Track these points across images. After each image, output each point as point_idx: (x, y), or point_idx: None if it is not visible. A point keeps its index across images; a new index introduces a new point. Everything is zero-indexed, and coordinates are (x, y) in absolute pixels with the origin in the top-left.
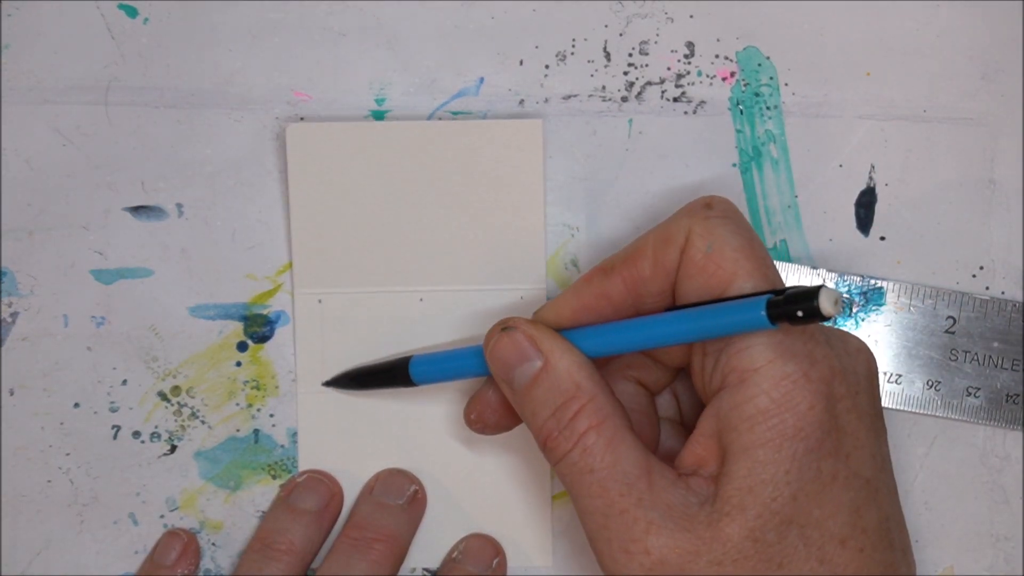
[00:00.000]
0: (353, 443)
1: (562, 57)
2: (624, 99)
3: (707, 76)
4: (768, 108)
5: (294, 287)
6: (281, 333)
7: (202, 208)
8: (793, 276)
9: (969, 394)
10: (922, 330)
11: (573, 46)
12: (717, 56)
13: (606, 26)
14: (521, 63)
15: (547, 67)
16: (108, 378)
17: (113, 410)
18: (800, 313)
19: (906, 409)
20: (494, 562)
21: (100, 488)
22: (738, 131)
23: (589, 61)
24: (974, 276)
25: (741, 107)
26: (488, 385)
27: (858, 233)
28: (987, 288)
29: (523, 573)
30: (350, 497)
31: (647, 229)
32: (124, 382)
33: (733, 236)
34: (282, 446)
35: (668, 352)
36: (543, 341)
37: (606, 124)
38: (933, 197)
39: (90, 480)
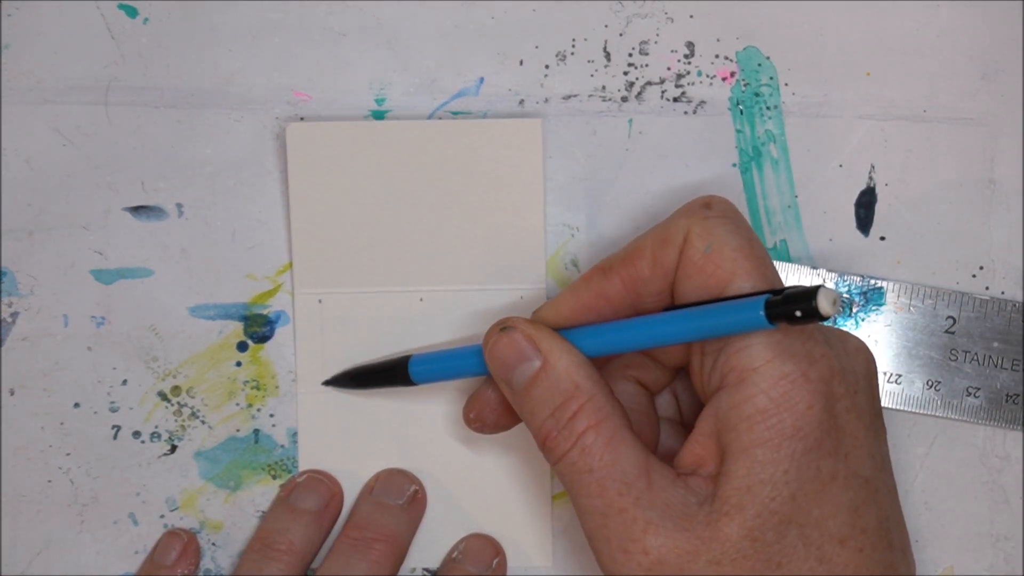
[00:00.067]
0: (353, 443)
1: (562, 57)
2: (624, 99)
3: (707, 76)
4: (768, 108)
5: (294, 287)
6: (281, 333)
7: (202, 208)
8: (793, 276)
9: (969, 394)
10: (922, 330)
11: (573, 46)
12: (717, 56)
13: (606, 26)
14: (521, 63)
15: (547, 67)
16: (108, 378)
17: (113, 410)
18: (799, 313)
19: (906, 409)
20: (494, 562)
21: (100, 488)
22: (738, 131)
23: (589, 61)
24: (974, 276)
25: (741, 107)
26: (487, 384)
27: (858, 233)
28: (987, 288)
29: (523, 573)
30: (350, 497)
31: (647, 229)
32: (124, 382)
33: (732, 236)
34: (282, 446)
35: (667, 352)
36: (542, 341)
37: (606, 124)
38: (933, 197)
39: (90, 480)
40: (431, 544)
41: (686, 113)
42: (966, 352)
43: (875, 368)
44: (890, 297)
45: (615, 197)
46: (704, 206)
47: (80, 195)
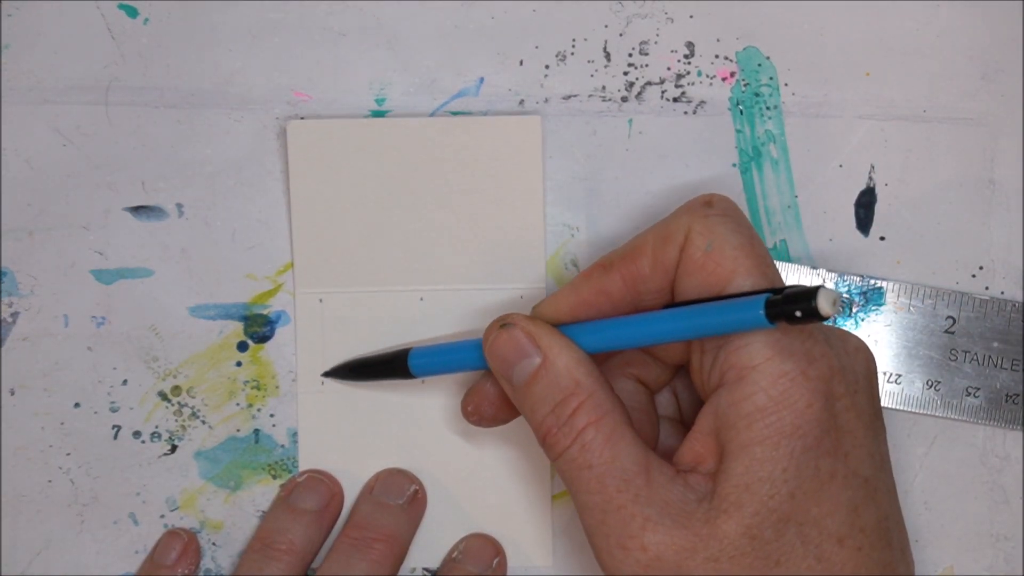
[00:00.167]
0: (353, 443)
1: (562, 57)
2: (624, 99)
3: (707, 76)
4: (768, 108)
5: (295, 286)
6: (281, 333)
7: (202, 208)
8: (793, 276)
9: (969, 394)
10: (922, 330)
11: (573, 46)
12: (717, 56)
13: (606, 26)
14: (521, 63)
15: (547, 67)
16: (108, 378)
17: (113, 410)
18: (799, 313)
19: (906, 409)
20: (494, 562)
21: (100, 488)
22: (738, 131)
23: (589, 61)
24: (974, 276)
25: (741, 107)
26: (486, 378)
27: (858, 233)
28: (987, 288)
29: (523, 573)
30: (350, 497)
31: (647, 228)
32: (124, 382)
33: (733, 234)
34: (282, 446)
35: (667, 349)
36: (542, 338)
37: (606, 124)
38: (933, 197)
39: (90, 480)
40: (431, 544)
41: (686, 113)
42: (966, 352)
43: (875, 367)
44: (890, 297)
45: (615, 197)
46: (705, 204)
47: (80, 195)
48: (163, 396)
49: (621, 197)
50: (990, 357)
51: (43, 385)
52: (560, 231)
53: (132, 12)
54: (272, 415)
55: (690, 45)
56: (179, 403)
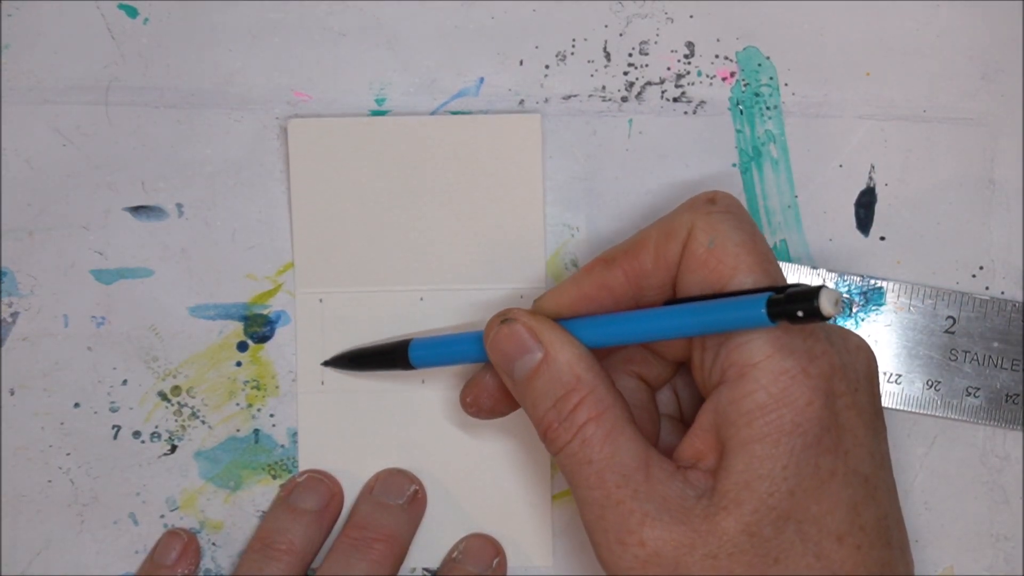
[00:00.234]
0: (353, 443)
1: (562, 57)
2: (624, 99)
3: (707, 76)
4: (768, 108)
5: (295, 286)
6: (281, 333)
7: (202, 208)
8: (793, 276)
9: (969, 394)
10: (922, 330)
11: (573, 46)
12: (717, 56)
13: (606, 26)
14: (521, 63)
15: (547, 67)
16: (108, 378)
17: (113, 410)
18: (800, 313)
19: (906, 409)
20: (494, 562)
21: (100, 488)
22: (738, 131)
23: (589, 61)
24: (974, 276)
25: (741, 107)
26: (486, 370)
27: (858, 233)
28: (987, 288)
29: (523, 573)
30: (350, 497)
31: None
32: (124, 382)
33: (735, 231)
34: (282, 446)
35: (669, 346)
36: (543, 333)
37: (606, 124)
38: (933, 197)
39: (90, 480)
40: (431, 544)
41: (686, 113)
42: (966, 352)
43: (876, 366)
44: (890, 297)
45: (615, 197)
46: (708, 201)
47: (80, 195)
48: (163, 396)
49: (621, 197)
50: (990, 357)
51: (43, 385)
52: (560, 231)
53: (132, 12)
54: (272, 415)
55: (690, 45)
56: (179, 403)
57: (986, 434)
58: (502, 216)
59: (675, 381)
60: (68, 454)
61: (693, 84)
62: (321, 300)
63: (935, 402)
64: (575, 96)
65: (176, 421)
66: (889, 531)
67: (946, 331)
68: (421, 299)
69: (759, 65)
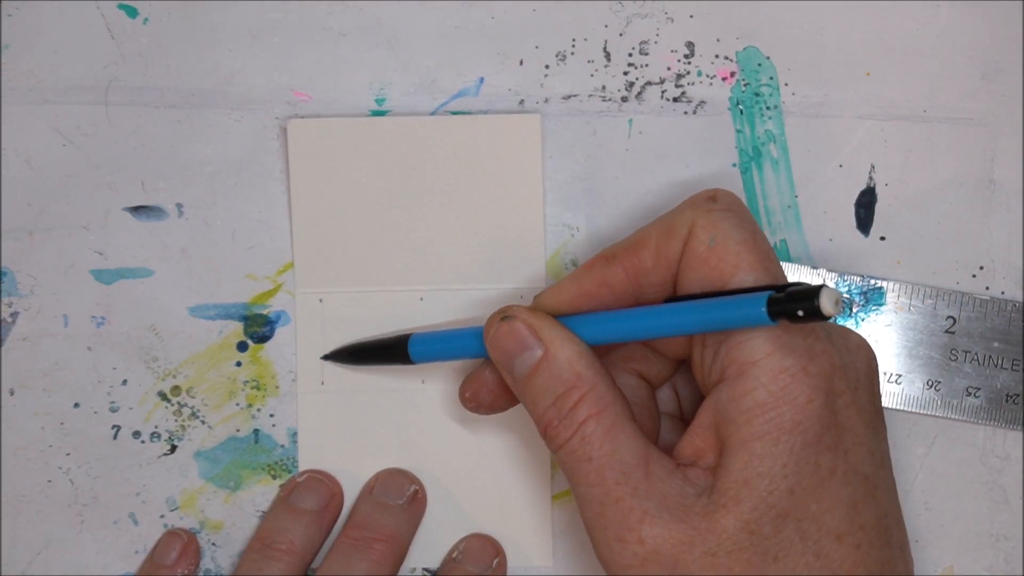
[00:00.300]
0: (353, 443)
1: (562, 57)
2: (624, 99)
3: (707, 76)
4: (768, 108)
5: (295, 286)
6: (281, 333)
7: (202, 208)
8: (793, 276)
9: (969, 394)
10: (922, 330)
11: (573, 46)
12: (717, 56)
13: (606, 26)
14: (521, 63)
15: (547, 67)
16: (108, 378)
17: (113, 410)
18: (801, 312)
19: (906, 409)
20: (494, 562)
21: (100, 488)
22: (738, 131)
23: (589, 61)
24: (974, 276)
25: (741, 107)
26: (485, 365)
27: (858, 233)
28: (987, 288)
29: (523, 573)
30: (350, 497)
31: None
32: (124, 382)
33: (736, 229)
34: (282, 446)
35: (669, 343)
36: (543, 330)
37: (606, 124)
38: (933, 197)
39: (90, 480)
40: (431, 544)
41: (686, 113)
42: (966, 352)
43: (876, 365)
44: (890, 297)
45: (615, 197)
46: (709, 199)
47: (80, 195)
48: (163, 396)
49: (621, 197)
50: (990, 357)
51: (43, 385)
52: (560, 231)
53: (132, 12)
54: (272, 415)
55: (690, 45)
56: (179, 403)
57: (986, 434)
58: (502, 216)
59: (675, 379)
60: (68, 454)
61: (693, 84)
62: (321, 300)
63: (935, 402)
64: (575, 96)
65: (176, 421)
66: (889, 530)
67: (946, 331)
68: (421, 299)
69: (759, 65)
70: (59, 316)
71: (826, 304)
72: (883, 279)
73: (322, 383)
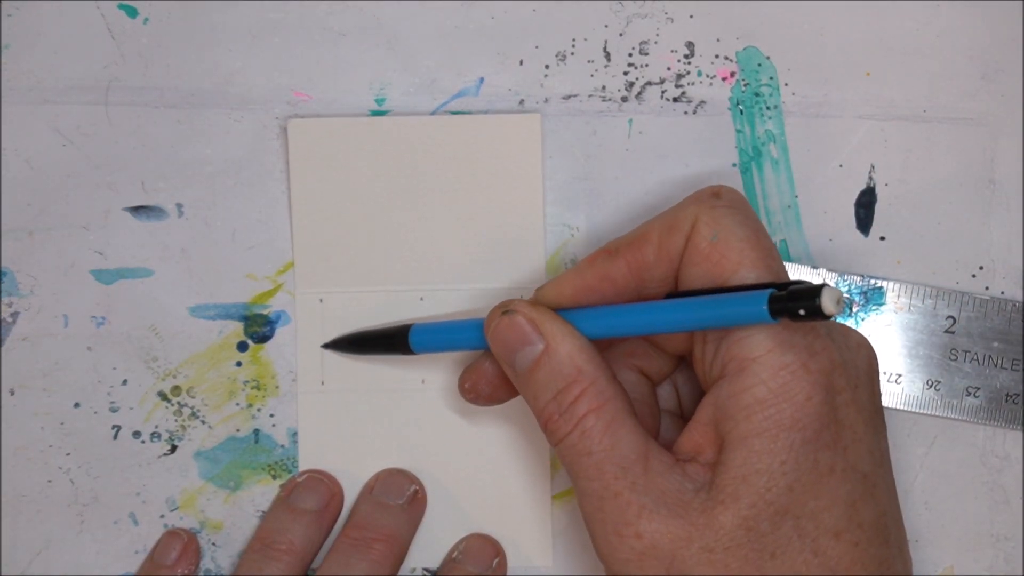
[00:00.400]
0: (353, 443)
1: (562, 57)
2: (624, 99)
3: (707, 76)
4: (768, 108)
5: (295, 286)
6: (281, 333)
7: (202, 208)
8: (793, 276)
9: (969, 394)
10: (922, 330)
11: (573, 46)
12: (717, 56)
13: (606, 26)
14: (521, 63)
15: (547, 67)
16: (108, 378)
17: (113, 410)
18: (802, 311)
19: (906, 409)
20: (494, 562)
21: (100, 488)
22: (738, 131)
23: (589, 61)
24: (974, 276)
25: (741, 107)
26: (485, 356)
27: (858, 233)
28: (987, 288)
29: (523, 573)
30: (350, 497)
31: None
32: (124, 382)
33: (739, 226)
34: (282, 446)
35: (670, 339)
36: (544, 324)
37: (606, 124)
38: (933, 197)
39: (90, 480)
40: (431, 544)
41: (686, 113)
42: (966, 352)
43: (876, 364)
44: (890, 297)
45: (615, 197)
46: (713, 195)
47: (80, 195)
48: (163, 396)
49: (621, 197)
50: (990, 357)
51: (43, 385)
52: (560, 231)
53: (132, 12)
54: (272, 415)
55: (690, 45)
56: (179, 403)
57: (986, 434)
58: (502, 216)
59: (675, 376)
60: (68, 454)
61: (693, 84)
62: (321, 300)
63: (935, 402)
64: (575, 96)
65: (176, 421)
66: (887, 529)
67: (946, 331)
68: (421, 299)
69: (759, 65)
70: (59, 316)
71: (827, 303)
72: (883, 279)
73: (322, 383)
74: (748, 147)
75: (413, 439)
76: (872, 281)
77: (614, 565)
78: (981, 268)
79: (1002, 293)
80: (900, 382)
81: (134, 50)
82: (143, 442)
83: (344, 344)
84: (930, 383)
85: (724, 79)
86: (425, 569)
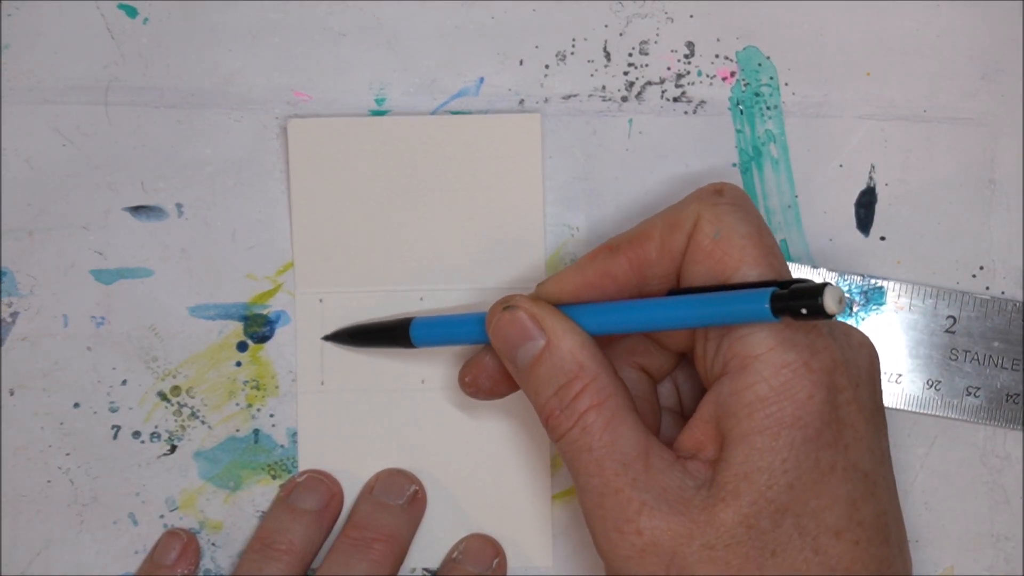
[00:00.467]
0: (353, 443)
1: (562, 57)
2: (624, 99)
3: (707, 76)
4: (768, 108)
5: (295, 286)
6: (281, 333)
7: (202, 208)
8: (794, 275)
9: (969, 394)
10: (922, 330)
11: (573, 46)
12: (717, 56)
13: (606, 26)
14: (521, 63)
15: (547, 67)
16: (108, 378)
17: (113, 410)
18: (804, 310)
19: (906, 409)
20: (494, 562)
21: (100, 488)
22: (738, 131)
23: (589, 61)
24: (974, 276)
25: (741, 107)
26: (486, 351)
27: (858, 233)
28: (987, 288)
29: (523, 573)
30: (350, 497)
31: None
32: (124, 382)
33: (742, 224)
34: (282, 446)
35: (671, 336)
36: (545, 320)
37: (606, 124)
38: (933, 197)
39: (90, 480)
40: (431, 544)
41: (686, 113)
42: (966, 352)
43: (878, 363)
44: (890, 297)
45: (615, 197)
46: (716, 192)
47: (80, 195)
48: (163, 396)
49: (621, 197)
50: (990, 357)
51: (43, 385)
52: (560, 231)
53: (132, 12)
54: (272, 415)
55: (690, 45)
56: (179, 403)
57: (986, 434)
58: (502, 216)
59: (676, 374)
60: (68, 454)
61: (693, 84)
62: (321, 300)
63: (935, 402)
64: (575, 96)
65: (176, 421)
66: (888, 528)
67: (946, 331)
68: (421, 299)
69: (759, 65)
70: (59, 316)
71: (830, 302)
72: (883, 279)
73: (322, 383)
74: (748, 147)
75: (413, 439)
76: (872, 281)
77: (614, 562)
78: (981, 268)
79: (1002, 293)
80: (900, 382)
81: (134, 50)
82: (143, 442)
83: (344, 336)
84: (930, 383)
85: (724, 79)
86: (425, 569)
